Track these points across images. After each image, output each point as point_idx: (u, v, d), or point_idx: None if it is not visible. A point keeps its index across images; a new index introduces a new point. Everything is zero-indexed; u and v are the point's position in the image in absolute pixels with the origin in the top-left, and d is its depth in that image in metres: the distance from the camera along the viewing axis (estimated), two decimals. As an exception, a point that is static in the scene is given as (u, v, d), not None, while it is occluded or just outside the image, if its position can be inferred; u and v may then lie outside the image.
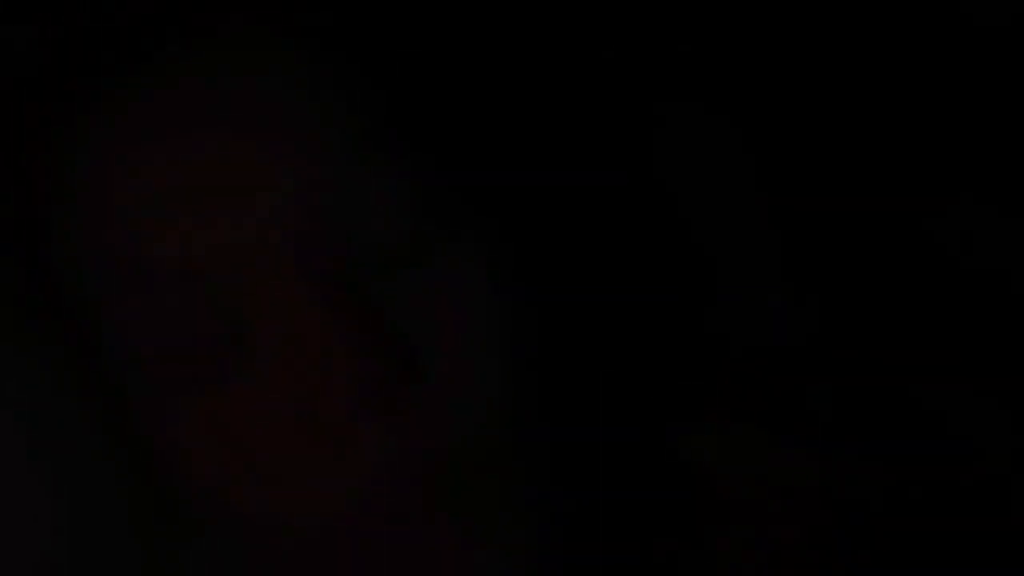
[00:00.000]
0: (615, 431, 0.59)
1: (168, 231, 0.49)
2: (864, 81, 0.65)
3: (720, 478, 0.58)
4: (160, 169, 0.50)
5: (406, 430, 0.49)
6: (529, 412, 0.52)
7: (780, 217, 0.64)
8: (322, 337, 0.49)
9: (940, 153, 0.64)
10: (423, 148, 0.52)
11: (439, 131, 0.54)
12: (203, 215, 0.49)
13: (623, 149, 0.64)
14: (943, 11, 0.64)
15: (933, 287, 0.63)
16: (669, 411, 0.60)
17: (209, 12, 0.52)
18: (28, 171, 0.52)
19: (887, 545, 0.58)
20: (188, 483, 0.51)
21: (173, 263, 0.49)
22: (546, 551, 0.52)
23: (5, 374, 0.55)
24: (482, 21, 0.60)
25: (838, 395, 0.61)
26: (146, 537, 0.55)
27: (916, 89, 0.65)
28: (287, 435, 0.50)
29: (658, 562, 0.58)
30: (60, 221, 0.52)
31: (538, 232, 0.58)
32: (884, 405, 0.61)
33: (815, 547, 0.57)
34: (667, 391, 0.61)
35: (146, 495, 0.54)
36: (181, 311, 0.50)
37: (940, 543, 0.58)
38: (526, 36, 0.63)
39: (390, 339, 0.49)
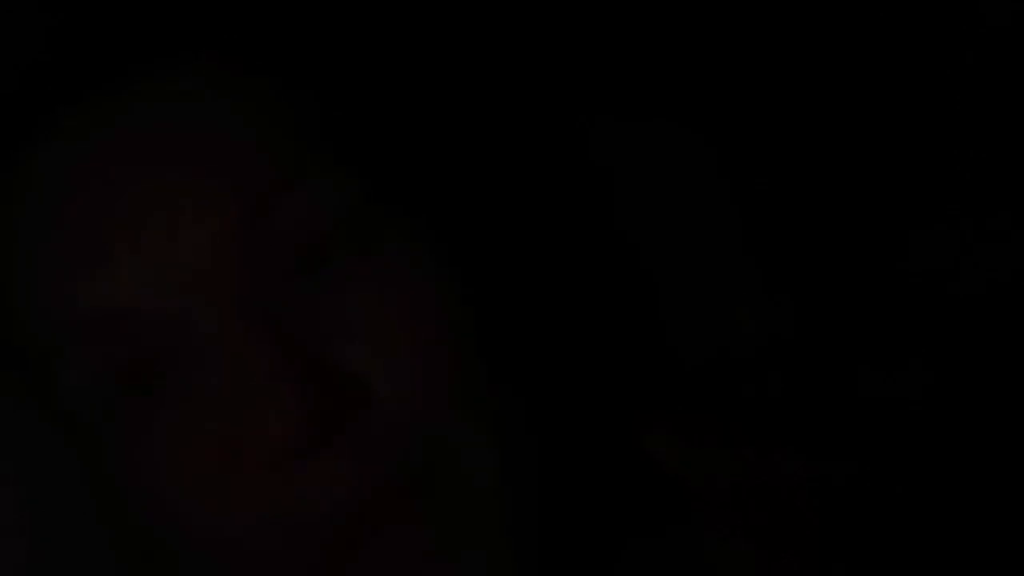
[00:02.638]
0: (578, 436, 0.59)
1: (109, 265, 0.50)
2: (844, 94, 0.65)
3: (689, 480, 0.59)
4: (100, 203, 0.51)
5: (356, 454, 0.50)
6: (483, 423, 0.52)
7: (755, 224, 0.65)
8: (265, 366, 0.49)
9: (909, 168, 0.65)
10: (360, 155, 0.53)
11: (377, 136, 0.55)
12: (141, 246, 0.50)
13: (591, 155, 0.65)
14: (922, 23, 0.65)
15: (908, 298, 0.64)
16: (636, 415, 0.60)
17: (143, 45, 0.53)
18: None
19: (867, 546, 0.58)
20: (154, 513, 0.52)
21: (115, 296, 0.50)
22: (510, 562, 0.53)
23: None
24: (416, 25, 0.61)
25: (813, 399, 0.62)
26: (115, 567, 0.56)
27: (896, 104, 0.65)
28: (239, 463, 0.50)
29: (626, 562, 0.58)
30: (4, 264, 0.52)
31: (490, 235, 0.59)
32: (856, 409, 0.61)
33: (794, 549, 0.58)
34: (634, 395, 0.62)
35: (115, 529, 0.55)
36: (127, 341, 0.50)
37: (921, 542, 0.58)
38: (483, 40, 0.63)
39: (335, 365, 0.50)
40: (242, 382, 0.49)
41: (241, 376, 0.49)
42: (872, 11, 0.65)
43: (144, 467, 0.51)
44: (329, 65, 0.56)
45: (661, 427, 0.59)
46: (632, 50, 0.65)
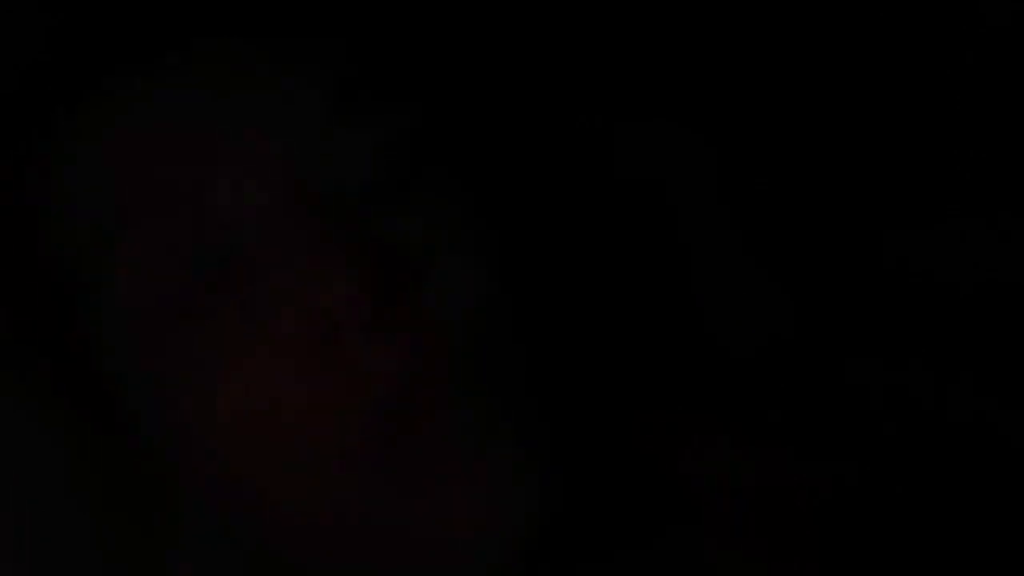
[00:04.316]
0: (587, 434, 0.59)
1: (180, 160, 0.52)
2: (844, 94, 0.65)
3: (705, 485, 0.59)
4: (171, 112, 0.52)
5: (410, 334, 0.50)
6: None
7: (755, 225, 0.65)
8: (320, 252, 0.50)
9: (910, 167, 0.65)
10: (396, 107, 0.54)
11: (414, 92, 0.55)
12: (210, 149, 0.52)
13: (598, 153, 0.65)
14: (920, 26, 0.65)
15: (910, 298, 0.64)
16: (642, 416, 0.60)
17: (144, 42, 0.54)
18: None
19: (867, 546, 0.58)
20: (193, 451, 0.52)
21: (182, 191, 0.51)
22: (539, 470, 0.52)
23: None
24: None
25: (820, 402, 0.62)
26: (127, 533, 0.56)
27: (896, 104, 0.65)
28: (292, 355, 0.51)
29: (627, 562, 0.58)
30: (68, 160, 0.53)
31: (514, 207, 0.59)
32: (865, 410, 0.61)
33: (794, 550, 0.58)
34: (641, 395, 0.62)
35: (114, 528, 0.55)
36: (186, 233, 0.51)
37: (922, 544, 0.58)
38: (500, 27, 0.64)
39: (385, 252, 0.51)
40: (301, 259, 0.50)
41: (300, 253, 0.50)
42: (872, 11, 0.65)
43: (188, 372, 0.52)
44: (332, 55, 0.56)
45: (667, 428, 0.59)
46: (632, 50, 0.65)
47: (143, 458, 0.53)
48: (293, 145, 0.51)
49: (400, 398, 0.50)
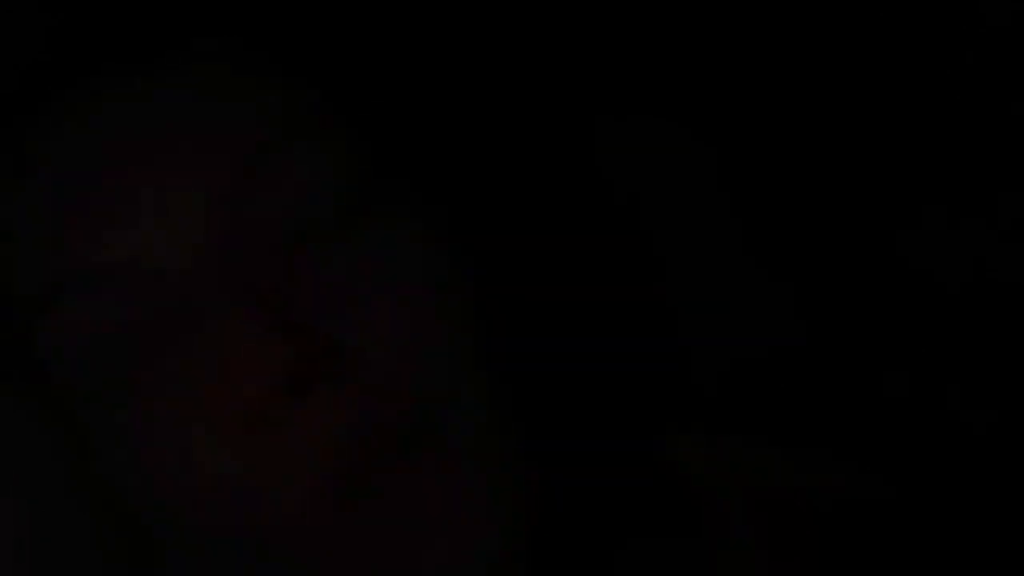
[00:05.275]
0: (579, 436, 0.59)
1: (104, 234, 0.51)
2: (843, 94, 0.65)
3: (707, 486, 0.59)
4: (100, 177, 0.52)
5: (335, 414, 0.50)
6: (470, 398, 0.53)
7: (756, 226, 0.65)
8: (246, 326, 0.50)
9: (911, 167, 0.65)
10: (352, 136, 0.54)
11: (372, 119, 0.55)
12: (131, 220, 0.51)
13: (592, 154, 0.65)
14: (911, 23, 0.65)
15: (910, 298, 0.64)
16: (652, 419, 0.60)
17: (141, 35, 0.54)
18: None
19: (867, 547, 0.58)
20: (148, 501, 0.52)
21: (108, 264, 0.51)
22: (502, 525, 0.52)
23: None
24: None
25: (822, 403, 0.62)
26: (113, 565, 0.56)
27: (896, 104, 0.65)
28: (224, 427, 0.50)
29: (628, 562, 0.58)
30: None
31: (489, 228, 0.59)
32: (866, 411, 0.61)
33: (795, 550, 0.58)
34: (650, 399, 0.62)
35: (110, 526, 0.55)
36: (116, 308, 0.51)
37: (922, 544, 0.58)
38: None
39: (314, 323, 0.50)
40: (221, 344, 0.50)
41: (220, 338, 0.50)
42: (872, 11, 0.65)
43: (123, 438, 0.52)
44: (331, 49, 0.56)
45: (682, 431, 0.59)
46: (632, 50, 0.65)
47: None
48: (230, 178, 0.51)
49: (352, 458, 0.50)
